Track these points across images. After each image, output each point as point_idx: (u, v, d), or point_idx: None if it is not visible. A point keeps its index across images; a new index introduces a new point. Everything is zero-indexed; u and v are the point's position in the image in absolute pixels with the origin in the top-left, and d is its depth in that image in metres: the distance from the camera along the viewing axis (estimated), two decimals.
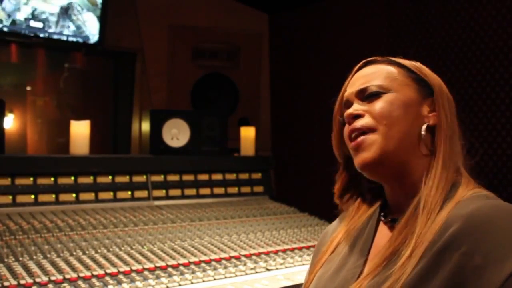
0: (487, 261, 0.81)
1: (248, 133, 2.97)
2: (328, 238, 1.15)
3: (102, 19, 3.06)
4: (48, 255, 1.73)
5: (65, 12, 2.95)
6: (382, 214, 1.06)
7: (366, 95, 1.01)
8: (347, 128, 1.01)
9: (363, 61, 1.08)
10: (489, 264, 0.81)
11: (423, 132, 0.98)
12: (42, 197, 2.19)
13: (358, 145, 0.98)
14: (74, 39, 3.02)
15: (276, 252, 1.99)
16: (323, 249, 1.12)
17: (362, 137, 0.98)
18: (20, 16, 2.82)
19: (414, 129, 0.98)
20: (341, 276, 1.00)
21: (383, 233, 1.02)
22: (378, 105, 0.98)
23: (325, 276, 1.04)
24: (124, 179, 2.41)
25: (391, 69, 1.03)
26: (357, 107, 1.01)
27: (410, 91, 1.00)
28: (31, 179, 2.19)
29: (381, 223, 1.05)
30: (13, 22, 2.80)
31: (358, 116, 1.00)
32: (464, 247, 0.84)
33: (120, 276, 1.64)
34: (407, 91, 1.00)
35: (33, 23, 2.85)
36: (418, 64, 1.05)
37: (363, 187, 1.11)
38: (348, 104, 1.04)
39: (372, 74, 1.03)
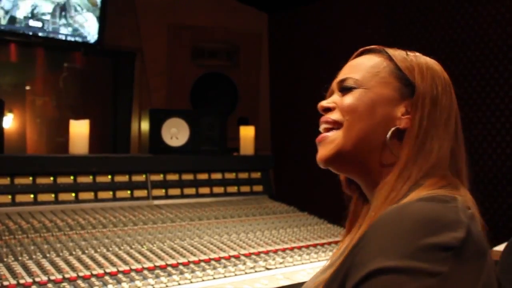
0: (362, 260, 0.77)
1: (247, 133, 2.97)
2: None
3: (102, 18, 3.06)
4: (48, 255, 1.73)
5: (62, 10, 2.95)
6: None
7: (341, 88, 1.00)
8: (321, 118, 1.01)
9: (361, 49, 1.06)
10: (361, 262, 0.77)
11: (388, 136, 0.93)
12: (42, 197, 2.19)
13: (319, 141, 0.99)
14: (73, 39, 3.02)
15: (275, 252, 1.99)
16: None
17: (324, 134, 0.98)
18: (19, 15, 2.81)
19: (379, 130, 0.94)
20: (320, 278, 0.98)
21: None
22: (347, 99, 0.97)
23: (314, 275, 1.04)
24: (124, 178, 2.41)
25: (379, 62, 0.99)
26: (331, 99, 1.01)
27: (387, 89, 0.96)
28: (31, 178, 2.19)
29: None
30: (12, 21, 2.80)
31: (329, 109, 0.99)
32: (357, 248, 0.81)
33: (120, 276, 1.63)
34: (383, 89, 0.96)
35: (32, 22, 2.85)
36: (414, 59, 0.99)
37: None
38: (331, 93, 1.04)
39: (358, 65, 1.01)
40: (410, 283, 0.71)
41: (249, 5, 3.76)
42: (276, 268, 1.84)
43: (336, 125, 0.97)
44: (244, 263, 1.83)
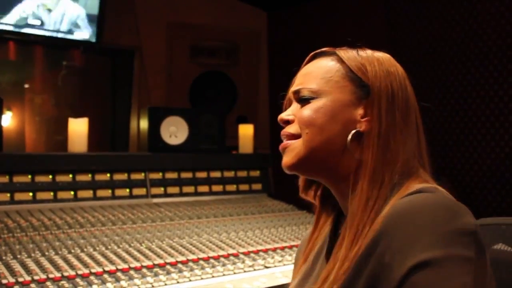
0: (394, 258, 0.77)
1: (246, 131, 2.97)
2: (305, 244, 1.10)
3: (100, 17, 3.05)
4: (46, 253, 1.73)
5: (62, 8, 2.94)
6: (341, 216, 1.01)
7: (299, 99, 0.98)
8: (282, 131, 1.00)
9: (312, 54, 1.03)
10: (395, 261, 0.77)
11: (348, 140, 0.92)
12: (40, 195, 2.19)
13: (282, 148, 0.98)
14: (72, 37, 3.01)
15: (274, 250, 1.99)
16: (301, 253, 1.09)
17: (286, 142, 0.98)
18: (18, 13, 2.81)
19: (340, 136, 0.93)
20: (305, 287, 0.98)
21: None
22: (304, 112, 0.95)
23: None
24: (122, 176, 2.41)
25: (332, 66, 0.97)
26: (290, 110, 1.00)
27: (343, 94, 0.94)
28: (29, 176, 2.19)
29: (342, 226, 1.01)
30: (11, 19, 2.79)
31: (288, 122, 0.99)
32: (379, 248, 0.80)
33: (119, 274, 1.63)
34: (339, 94, 0.94)
35: (31, 21, 2.84)
36: (365, 58, 0.96)
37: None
38: (290, 103, 1.02)
39: (311, 73, 0.98)
40: (453, 270, 0.73)
41: (248, 3, 3.75)
42: (275, 266, 1.84)
43: (295, 137, 0.96)
44: (243, 262, 1.84)
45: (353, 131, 0.92)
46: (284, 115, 1.00)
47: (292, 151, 0.96)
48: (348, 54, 0.98)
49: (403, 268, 0.75)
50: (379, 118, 0.91)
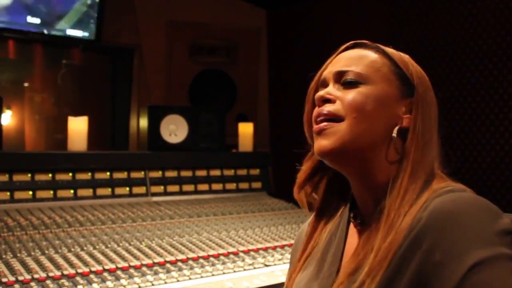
0: (447, 257, 0.78)
1: (246, 129, 2.97)
2: (303, 236, 1.09)
3: (100, 15, 3.05)
4: (46, 251, 1.73)
5: (61, 6, 2.94)
6: (352, 214, 1.01)
7: (343, 81, 0.94)
8: (315, 110, 0.96)
9: (352, 42, 1.01)
10: (449, 260, 0.78)
11: (394, 134, 0.92)
12: (40, 193, 2.19)
13: (320, 129, 0.93)
14: (72, 35, 3.01)
15: (274, 248, 1.99)
16: (300, 248, 1.08)
17: (326, 123, 0.92)
18: (17, 11, 2.81)
19: (384, 128, 0.92)
20: (316, 284, 0.97)
21: (354, 237, 0.98)
22: (352, 95, 0.92)
23: (302, 283, 1.00)
24: (122, 175, 2.41)
25: (377, 58, 0.95)
26: (330, 90, 0.94)
27: (390, 87, 0.93)
28: (29, 175, 2.19)
29: (352, 225, 1.00)
30: (10, 17, 2.79)
31: (328, 101, 0.94)
32: (425, 244, 0.80)
33: (118, 272, 1.64)
34: (386, 87, 0.93)
35: (30, 19, 2.84)
36: (407, 58, 0.98)
37: (330, 175, 1.05)
38: (324, 83, 0.98)
39: (356, 58, 0.96)
40: (505, 268, 0.76)
41: (247, 1, 3.75)
42: (274, 264, 1.84)
43: (336, 117, 0.92)
44: (243, 260, 1.84)
45: (398, 126, 0.92)
46: (324, 93, 0.95)
47: (333, 134, 0.91)
48: (393, 51, 0.98)
49: (462, 268, 0.76)
50: (422, 117, 0.92)
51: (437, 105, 0.98)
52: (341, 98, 0.93)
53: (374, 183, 0.94)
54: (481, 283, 0.75)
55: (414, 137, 0.91)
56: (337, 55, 1.00)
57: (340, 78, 0.95)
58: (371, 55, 0.96)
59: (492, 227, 0.79)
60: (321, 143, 0.93)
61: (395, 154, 0.92)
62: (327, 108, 0.93)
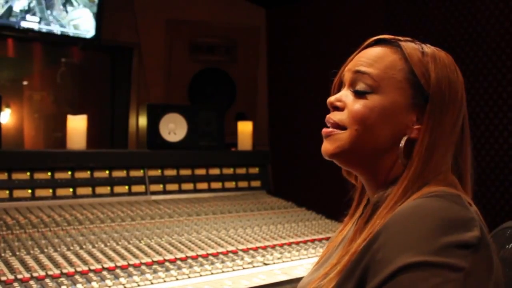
0: (385, 257, 0.79)
1: (245, 128, 2.97)
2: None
3: (99, 13, 3.05)
4: (45, 250, 1.73)
5: (60, 4, 2.93)
6: (361, 213, 1.03)
7: (355, 90, 0.96)
8: (327, 115, 0.99)
9: (374, 38, 1.01)
10: (385, 259, 0.78)
11: (401, 145, 0.92)
12: (39, 192, 2.19)
13: (326, 134, 0.97)
14: (71, 33, 3.01)
15: (273, 247, 1.99)
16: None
17: (332, 129, 0.96)
18: (16, 9, 2.80)
19: (391, 137, 0.93)
20: (313, 276, 0.99)
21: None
22: (357, 106, 0.94)
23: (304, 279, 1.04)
24: (121, 173, 2.41)
25: (395, 63, 0.94)
26: (341, 97, 0.97)
27: (401, 96, 0.93)
28: (28, 173, 2.19)
29: None
30: (9, 16, 2.78)
31: (337, 108, 0.97)
32: (376, 244, 0.82)
33: (118, 271, 1.64)
34: (397, 96, 0.92)
35: (29, 17, 2.84)
36: (430, 58, 0.94)
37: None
38: (340, 83, 1.01)
39: (375, 59, 0.96)
40: (437, 276, 0.74)
41: (246, 0, 3.75)
42: (274, 263, 1.84)
43: (340, 126, 0.95)
44: (242, 259, 1.84)
45: (405, 138, 0.92)
46: (334, 100, 0.98)
47: (335, 141, 0.95)
48: (413, 52, 0.95)
49: (392, 267, 0.76)
50: (431, 128, 0.91)
51: (462, 110, 0.95)
52: (348, 107, 0.95)
53: (380, 186, 0.96)
54: (402, 284, 0.75)
55: (420, 150, 0.91)
56: (360, 51, 1.01)
57: (355, 82, 0.96)
58: (389, 57, 0.96)
59: (442, 238, 0.77)
60: (325, 146, 0.97)
61: (397, 162, 0.94)
62: (334, 117, 0.97)
